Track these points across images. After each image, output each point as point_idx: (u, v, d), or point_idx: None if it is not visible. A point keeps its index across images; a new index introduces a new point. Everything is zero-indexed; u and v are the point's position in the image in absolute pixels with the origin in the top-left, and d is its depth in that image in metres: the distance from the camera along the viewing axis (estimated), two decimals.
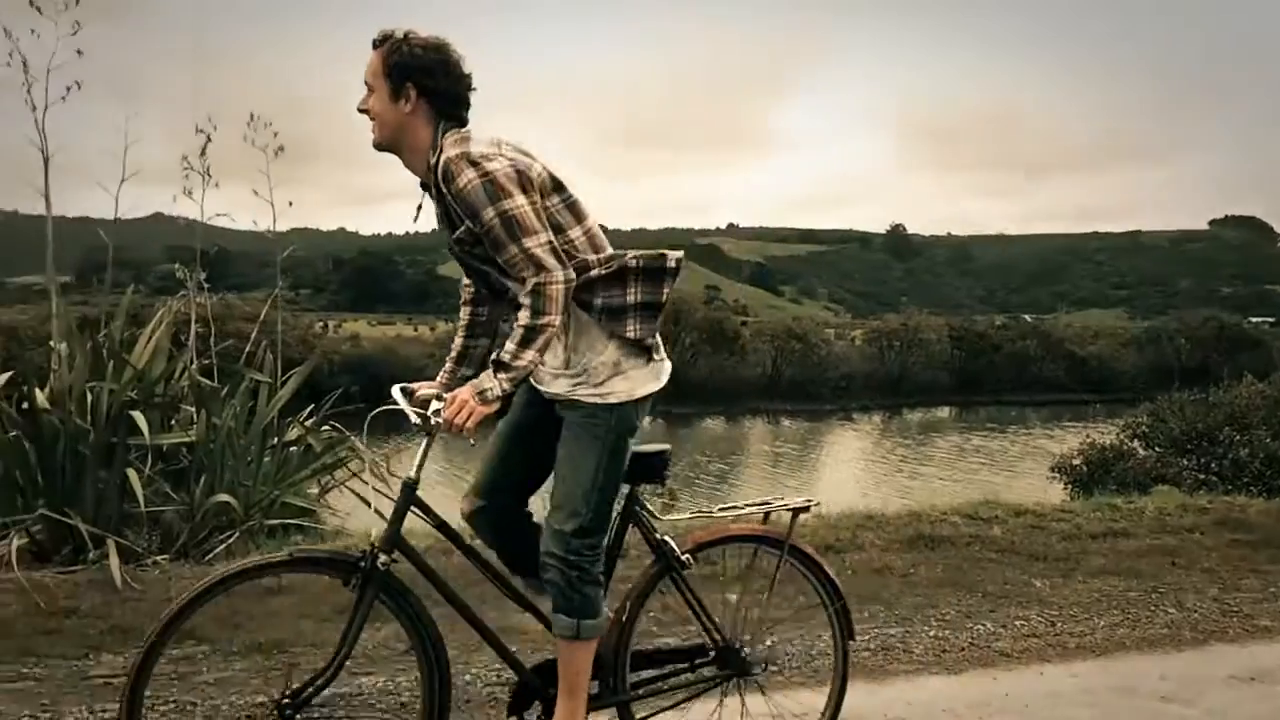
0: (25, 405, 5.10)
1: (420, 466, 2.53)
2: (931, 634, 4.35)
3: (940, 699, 3.67)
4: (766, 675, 3.04)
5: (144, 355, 5.58)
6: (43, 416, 5.05)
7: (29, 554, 4.76)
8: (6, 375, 5.17)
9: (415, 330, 62.35)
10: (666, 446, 2.79)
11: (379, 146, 2.53)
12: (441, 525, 2.62)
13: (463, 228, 2.47)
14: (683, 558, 2.75)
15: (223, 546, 5.13)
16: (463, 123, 2.52)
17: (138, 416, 5.04)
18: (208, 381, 5.76)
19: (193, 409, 5.66)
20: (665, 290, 2.55)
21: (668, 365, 2.67)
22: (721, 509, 2.95)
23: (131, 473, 4.98)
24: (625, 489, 2.70)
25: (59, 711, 3.21)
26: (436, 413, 2.41)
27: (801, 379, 42.06)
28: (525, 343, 2.40)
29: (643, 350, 2.55)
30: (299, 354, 10.03)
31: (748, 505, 2.96)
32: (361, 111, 2.51)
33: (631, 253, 2.54)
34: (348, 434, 6.45)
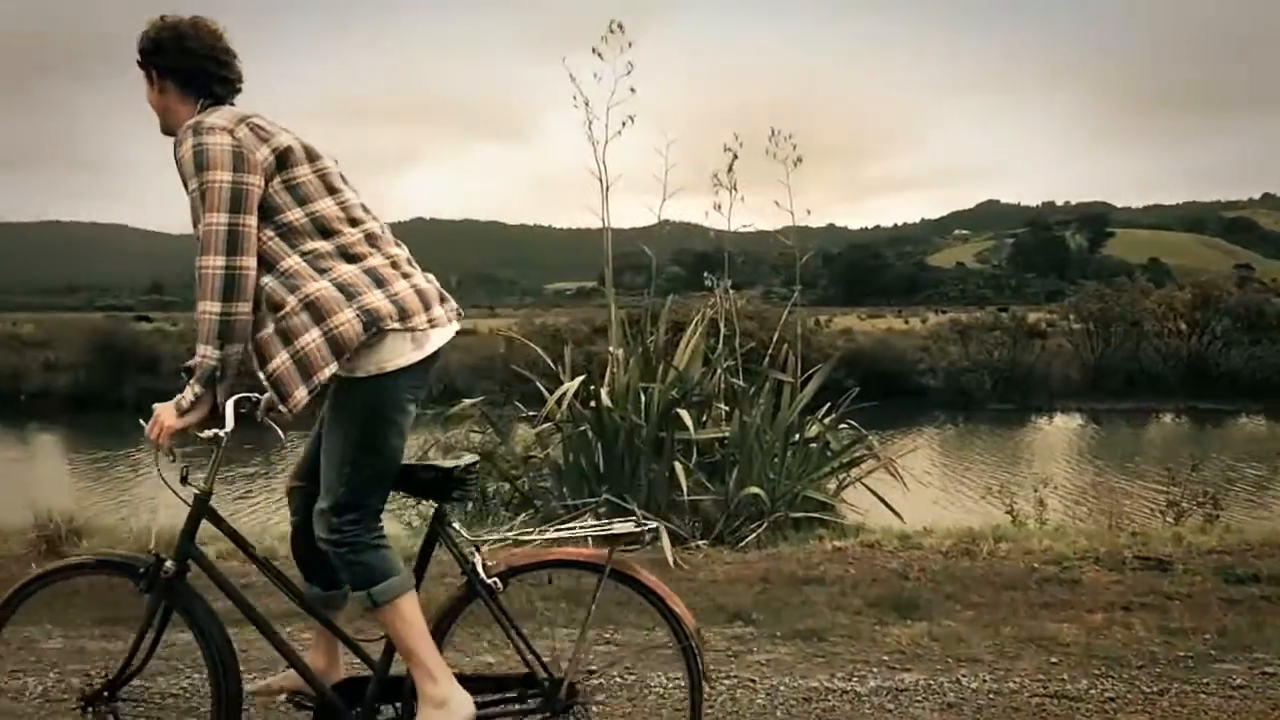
0: (593, 404, 5.89)
1: (211, 477, 2.46)
2: None
3: None
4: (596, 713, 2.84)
5: (684, 358, 6.20)
6: (605, 413, 5.80)
7: None
8: (579, 380, 5.99)
9: (905, 323, 61.65)
10: (462, 462, 2.53)
11: (165, 132, 2.47)
12: (234, 536, 2.56)
13: None
14: (489, 582, 2.52)
15: (753, 535, 5.53)
16: (223, 101, 2.44)
17: (683, 414, 5.62)
18: (739, 382, 6.23)
19: (724, 407, 6.17)
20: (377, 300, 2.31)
21: (440, 331, 2.44)
22: (555, 531, 2.65)
23: (678, 465, 5.56)
24: (433, 506, 2.53)
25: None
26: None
27: None
28: (199, 335, 2.26)
29: (393, 319, 2.34)
30: (802, 350, 10.42)
31: (578, 527, 2.65)
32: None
33: (365, 254, 2.37)
34: (864, 432, 6.64)
